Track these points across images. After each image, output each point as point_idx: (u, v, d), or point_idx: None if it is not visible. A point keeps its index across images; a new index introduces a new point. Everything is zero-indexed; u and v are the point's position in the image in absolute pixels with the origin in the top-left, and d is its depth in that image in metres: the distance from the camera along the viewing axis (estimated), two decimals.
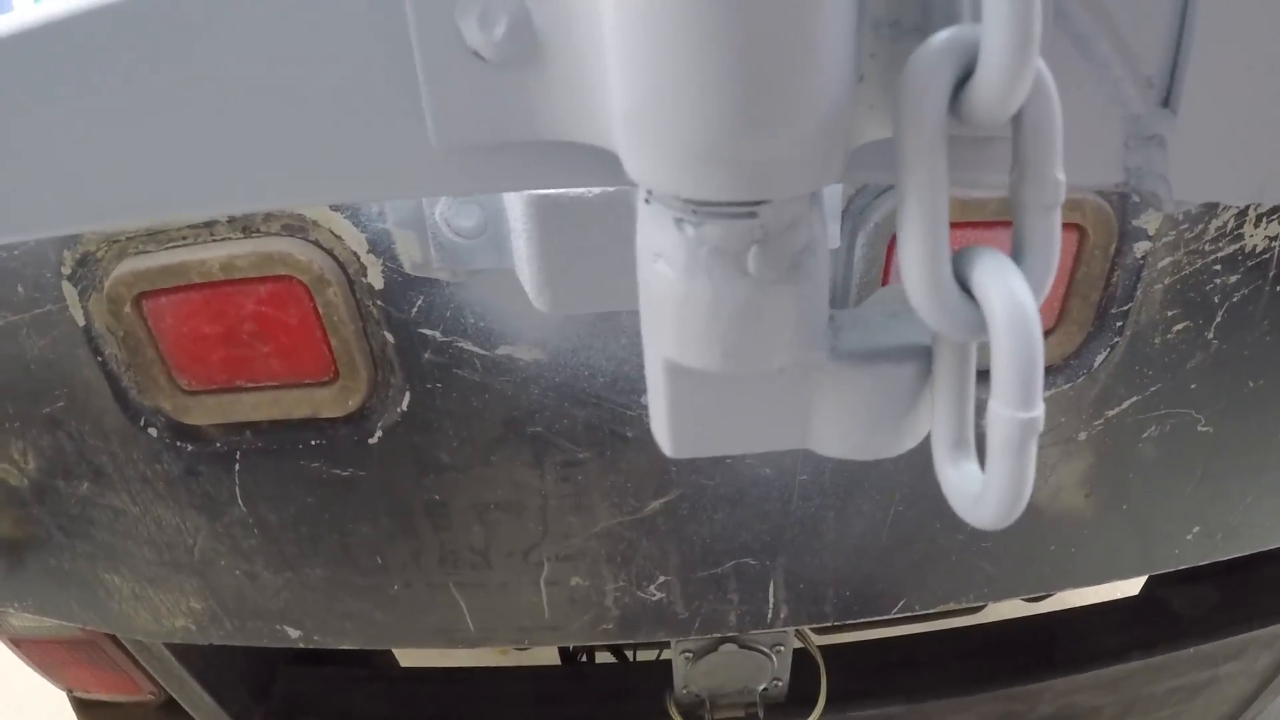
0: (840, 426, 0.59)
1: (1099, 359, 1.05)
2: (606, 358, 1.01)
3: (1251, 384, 1.14)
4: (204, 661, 1.65)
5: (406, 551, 1.18)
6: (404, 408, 1.05)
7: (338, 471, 1.10)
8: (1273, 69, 0.50)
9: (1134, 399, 1.10)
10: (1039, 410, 0.47)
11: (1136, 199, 0.61)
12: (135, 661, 1.74)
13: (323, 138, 0.51)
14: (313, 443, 1.08)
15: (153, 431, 1.11)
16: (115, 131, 0.51)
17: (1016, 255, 0.48)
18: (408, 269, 0.95)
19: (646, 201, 0.50)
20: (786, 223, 0.49)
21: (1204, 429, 1.17)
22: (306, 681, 1.83)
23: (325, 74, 0.49)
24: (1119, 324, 1.04)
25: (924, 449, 0.58)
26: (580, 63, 0.47)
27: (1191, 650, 1.77)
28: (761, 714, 1.63)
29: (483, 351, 1.00)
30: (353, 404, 1.04)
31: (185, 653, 1.60)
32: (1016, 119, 0.44)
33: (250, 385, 1.05)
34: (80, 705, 2.10)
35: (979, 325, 0.47)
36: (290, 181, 0.53)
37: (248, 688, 1.76)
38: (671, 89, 0.43)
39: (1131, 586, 2.16)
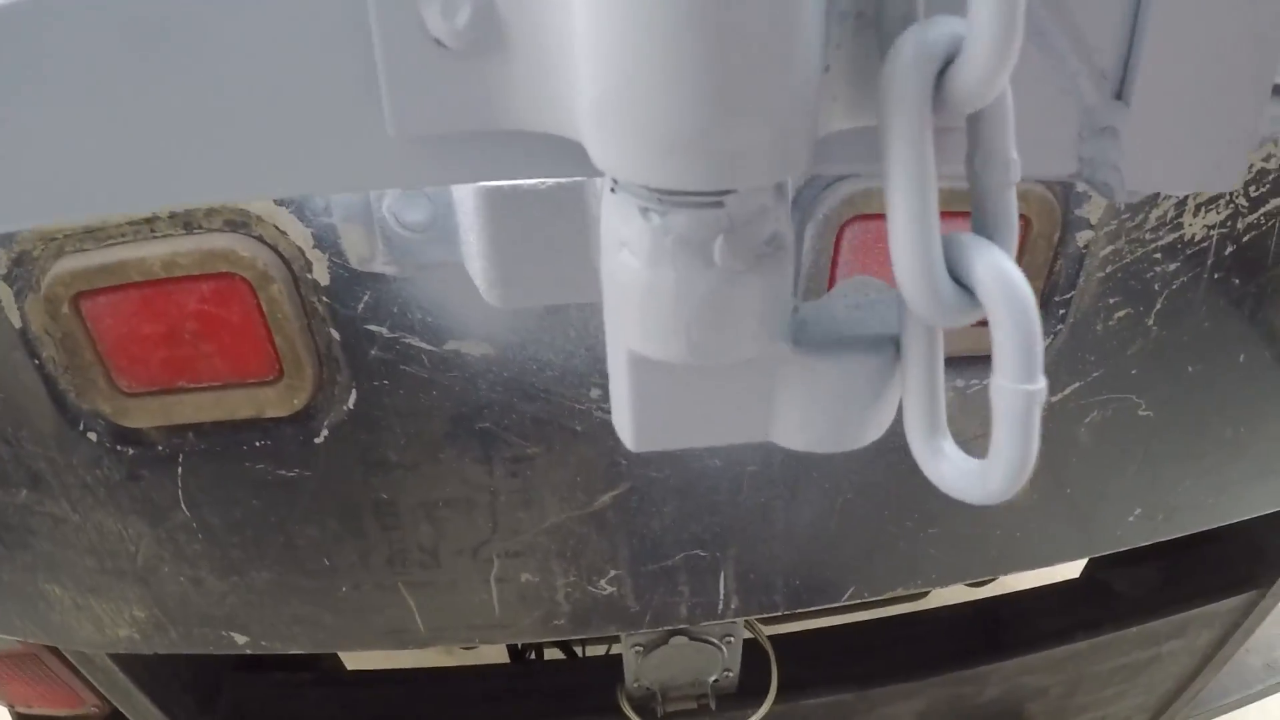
0: (805, 419, 0.60)
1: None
2: (554, 351, 1.02)
3: (1190, 369, 1.18)
4: (149, 672, 1.63)
5: (354, 552, 1.18)
6: (350, 406, 1.04)
7: (283, 472, 1.10)
8: (1220, 61, 0.51)
9: (1076, 384, 1.14)
10: (1042, 382, 0.49)
11: (1085, 188, 0.63)
12: (78, 674, 1.72)
13: (275, 127, 0.51)
14: (257, 443, 1.08)
15: (92, 436, 1.09)
16: (60, 122, 0.50)
17: (983, 235, 0.49)
18: (354, 264, 0.95)
19: (612, 191, 0.50)
20: (753, 213, 0.49)
21: (1144, 413, 1.21)
22: (253, 688, 1.82)
23: (279, 60, 0.49)
24: (1061, 312, 1.07)
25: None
26: (546, 50, 0.47)
27: (1134, 629, 1.83)
28: (713, 705, 1.65)
29: (430, 347, 1.00)
30: (298, 403, 1.04)
31: (129, 663, 1.58)
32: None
33: (192, 386, 1.04)
34: None
35: (970, 309, 0.48)
36: (240, 173, 0.52)
37: (194, 697, 1.74)
38: (640, 77, 0.43)
39: (1074, 569, 2.22)
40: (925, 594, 2.24)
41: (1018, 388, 0.49)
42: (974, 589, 2.39)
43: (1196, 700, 2.17)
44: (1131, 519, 1.36)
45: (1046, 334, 1.08)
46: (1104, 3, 0.50)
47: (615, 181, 0.49)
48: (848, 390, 0.57)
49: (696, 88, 0.42)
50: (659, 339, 0.53)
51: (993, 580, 2.41)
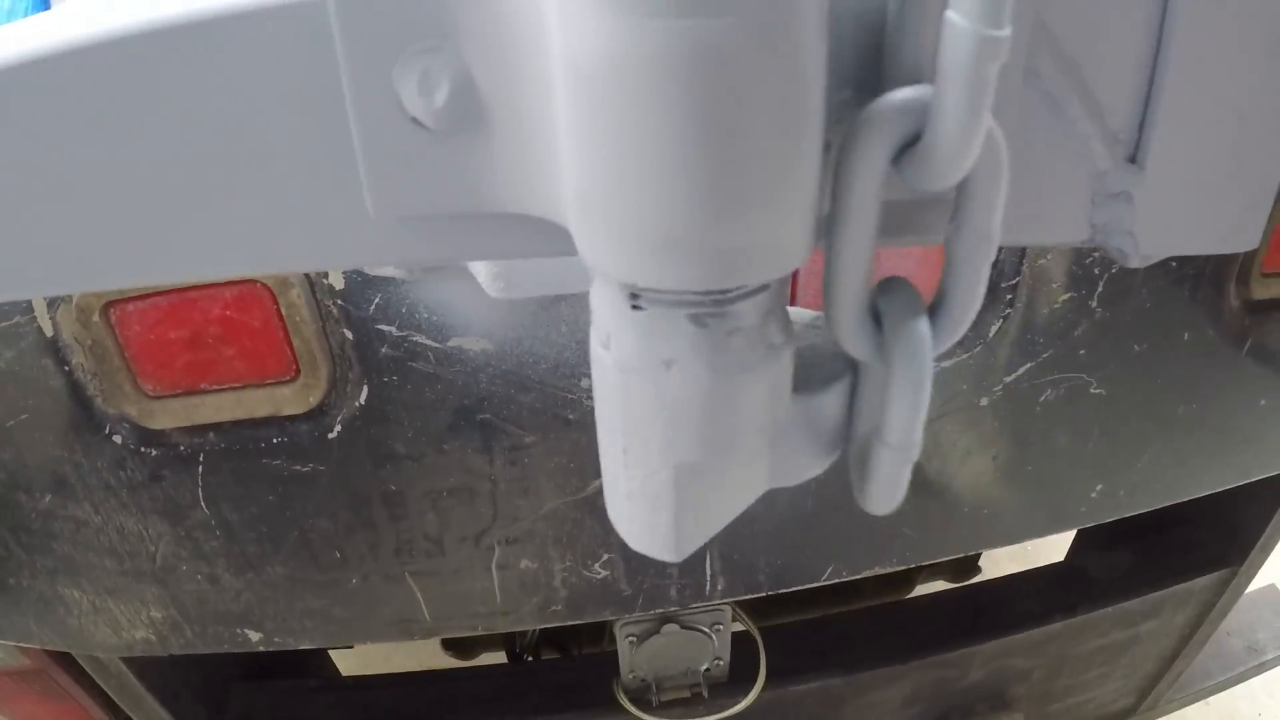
0: (800, 453, 0.60)
1: (993, 330, 1.21)
2: (548, 345, 1.14)
3: (1136, 348, 1.30)
4: (161, 680, 1.72)
5: (364, 543, 1.29)
6: (362, 401, 1.16)
7: (298, 467, 1.21)
8: (1239, 119, 0.51)
9: (1028, 365, 1.26)
10: (918, 447, 0.53)
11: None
12: (85, 688, 1.80)
13: (256, 206, 0.50)
14: (274, 440, 1.19)
15: (117, 439, 1.20)
16: (40, 199, 0.50)
17: (940, 298, 0.51)
18: (367, 270, 1.07)
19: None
20: (765, 308, 0.49)
21: (1096, 391, 1.33)
22: (259, 696, 1.91)
23: (258, 140, 0.48)
24: (1009, 297, 1.19)
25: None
26: (530, 132, 0.45)
27: (1110, 609, 1.94)
28: (706, 694, 1.76)
29: (435, 344, 1.12)
30: (313, 400, 1.15)
31: (143, 671, 1.67)
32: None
33: (214, 387, 1.15)
34: None
35: (882, 354, 0.51)
36: (220, 252, 0.52)
37: (204, 705, 1.84)
38: (626, 171, 0.41)
39: (1054, 555, 2.34)
40: (910, 586, 2.36)
41: (896, 450, 0.53)
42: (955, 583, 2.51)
43: (1180, 682, 2.28)
44: (1094, 495, 1.47)
45: (995, 318, 1.20)
46: (1118, 64, 0.50)
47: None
48: (814, 426, 0.58)
49: (689, 184, 0.41)
50: (709, 444, 0.52)
51: (975, 576, 2.54)
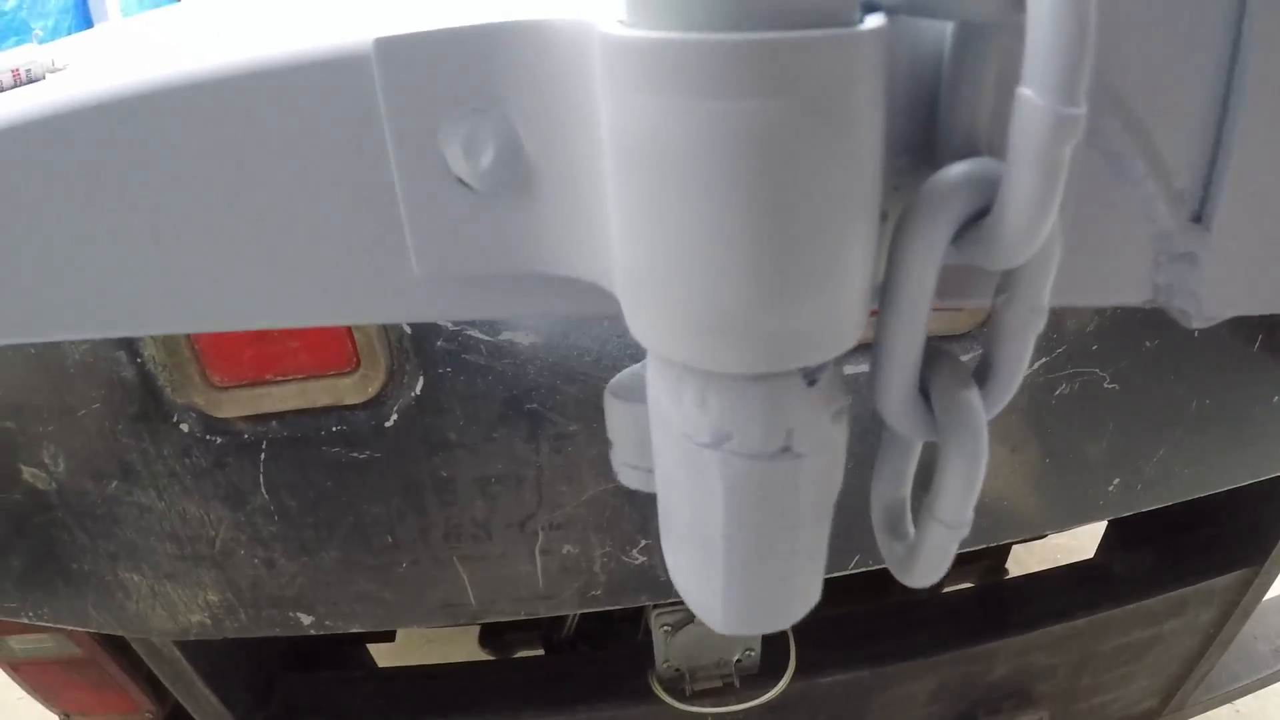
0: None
1: None
2: (592, 339, 1.24)
3: (1148, 344, 1.38)
4: (211, 666, 1.82)
5: (415, 528, 1.39)
6: (417, 392, 1.26)
7: (355, 454, 1.31)
8: None
9: (1043, 360, 1.34)
10: (970, 517, 0.52)
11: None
12: (133, 677, 1.91)
13: (303, 261, 0.50)
14: (334, 428, 1.29)
15: (184, 427, 1.29)
16: (99, 245, 0.51)
17: (985, 366, 0.51)
18: None
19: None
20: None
21: (1110, 386, 1.40)
22: (302, 685, 2.02)
23: (306, 196, 0.48)
24: None
25: (862, 406, 0.67)
26: (578, 198, 0.45)
27: (1132, 607, 2.01)
28: (737, 684, 1.85)
29: (488, 338, 1.22)
30: (372, 390, 1.26)
31: (194, 656, 1.77)
32: None
33: (278, 378, 1.26)
34: None
35: (934, 429, 0.51)
36: (266, 303, 0.53)
37: (251, 693, 1.94)
38: (679, 251, 0.40)
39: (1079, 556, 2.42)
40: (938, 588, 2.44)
41: (949, 525, 0.52)
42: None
43: (1205, 684, 2.34)
44: (1111, 489, 1.54)
45: None
46: (1184, 123, 0.49)
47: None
48: None
49: (742, 266, 0.39)
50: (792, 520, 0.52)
51: (1000, 574, 2.62)
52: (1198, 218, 0.51)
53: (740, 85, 0.36)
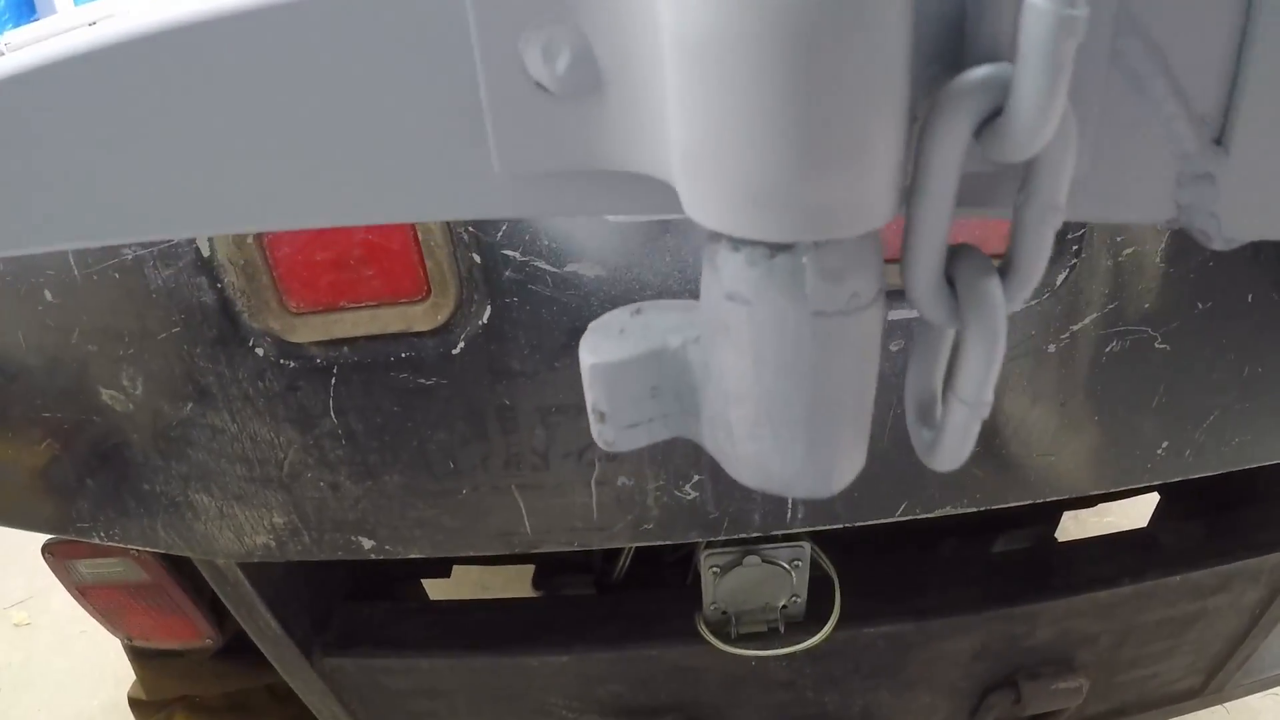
0: None
1: (1060, 278, 1.32)
2: (654, 273, 1.28)
3: (1200, 306, 1.38)
4: (273, 590, 1.88)
5: (476, 456, 1.44)
6: (484, 321, 1.31)
7: (423, 381, 1.36)
8: None
9: (1094, 315, 1.36)
10: (989, 404, 0.57)
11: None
12: (196, 603, 1.98)
13: (391, 160, 0.55)
14: (403, 355, 1.34)
15: (259, 351, 1.35)
16: (203, 148, 0.55)
17: (1008, 262, 0.54)
18: None
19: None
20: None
21: (1161, 346, 1.41)
22: (360, 613, 2.09)
23: (395, 99, 0.53)
24: (1075, 247, 1.30)
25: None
26: (641, 97, 0.50)
27: (1178, 579, 2.01)
28: (782, 629, 1.89)
29: (553, 269, 1.26)
30: (441, 319, 1.30)
31: (257, 580, 1.83)
32: None
33: (352, 305, 1.31)
34: (137, 655, 2.30)
35: (958, 316, 0.55)
36: (362, 201, 0.57)
37: (310, 618, 2.01)
38: (726, 131, 0.46)
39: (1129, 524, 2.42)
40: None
41: (969, 404, 0.57)
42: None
43: (1248, 667, 2.33)
44: (1160, 452, 1.55)
45: (1063, 267, 1.32)
46: (1204, 48, 0.51)
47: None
48: None
49: (780, 144, 0.45)
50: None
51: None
52: (1218, 140, 0.53)
53: None
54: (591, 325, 0.67)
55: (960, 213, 0.53)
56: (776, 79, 0.43)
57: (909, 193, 0.51)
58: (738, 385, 0.60)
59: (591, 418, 0.68)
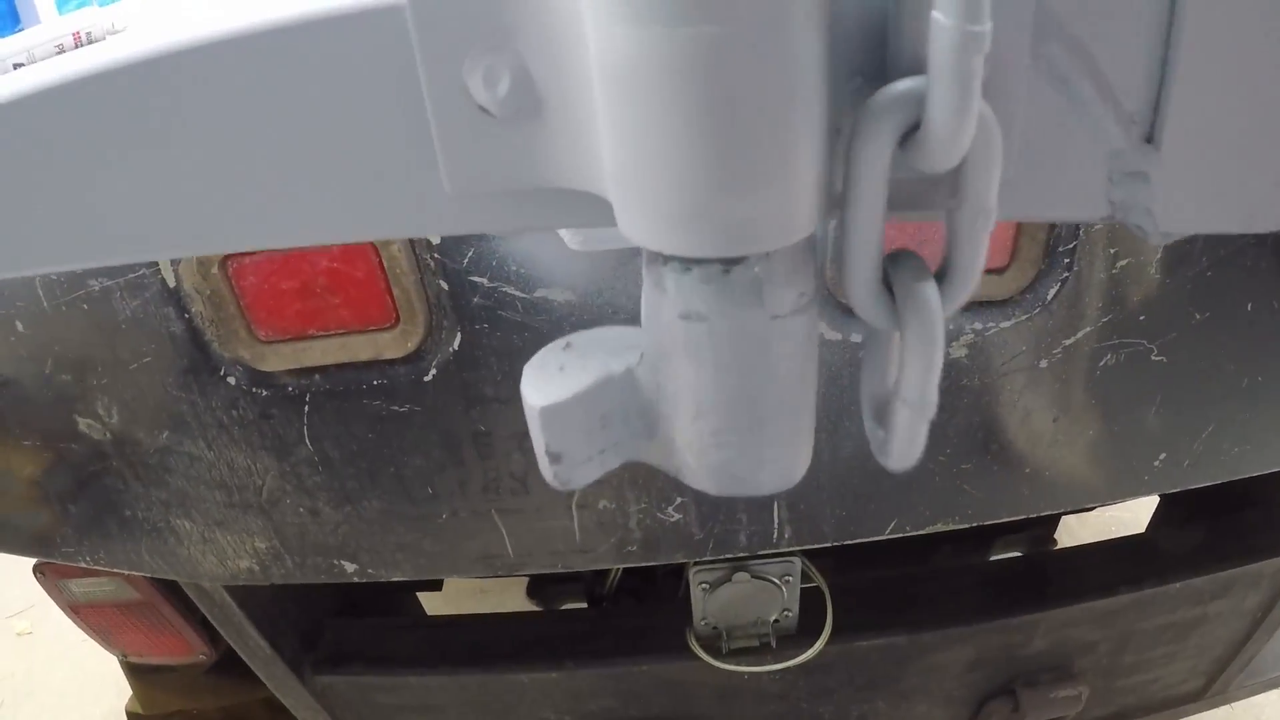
0: None
1: (1051, 293, 1.27)
2: (626, 297, 1.23)
3: (1197, 316, 1.34)
4: (261, 611, 1.86)
5: (454, 480, 1.40)
6: (455, 347, 1.27)
7: (396, 407, 1.32)
8: (1257, 101, 0.52)
9: (1087, 329, 1.31)
10: (932, 405, 0.58)
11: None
12: (188, 621, 1.95)
13: (350, 182, 0.56)
14: (375, 382, 1.30)
15: (231, 380, 1.32)
16: (161, 173, 0.57)
17: (945, 267, 0.55)
18: None
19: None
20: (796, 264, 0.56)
21: (1157, 359, 1.37)
22: (351, 631, 2.06)
23: (352, 126, 0.54)
24: (1067, 260, 1.25)
25: None
26: (577, 119, 0.51)
27: (1178, 585, 1.96)
28: (773, 644, 1.85)
29: (523, 295, 1.22)
30: (411, 345, 1.26)
31: (244, 600, 1.81)
32: None
33: (321, 333, 1.27)
34: (133, 670, 2.28)
35: (896, 320, 0.56)
36: (319, 222, 0.59)
37: (298, 636, 1.98)
38: (648, 153, 0.47)
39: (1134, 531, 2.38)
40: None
41: (913, 408, 0.58)
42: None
43: (1250, 669, 2.29)
44: (1157, 464, 1.50)
45: (1054, 281, 1.27)
46: (1130, 46, 0.51)
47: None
48: None
49: (699, 166, 0.46)
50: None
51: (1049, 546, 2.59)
52: (1149, 138, 0.53)
53: (681, 14, 0.43)
54: (526, 370, 0.67)
55: (898, 217, 0.54)
56: (684, 104, 0.45)
57: (841, 202, 0.52)
58: (701, 399, 0.61)
59: (545, 461, 0.66)
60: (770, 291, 0.55)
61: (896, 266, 0.55)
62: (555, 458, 0.66)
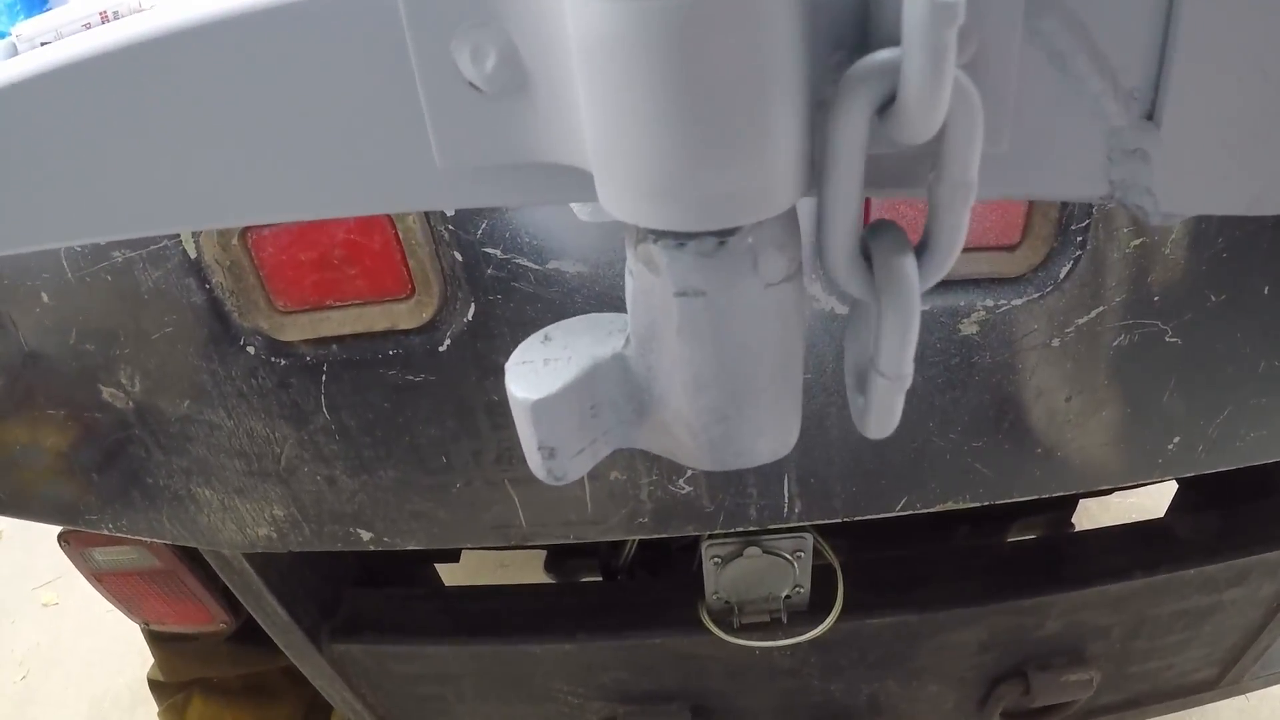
0: None
1: (1063, 271, 1.27)
2: None
3: (1213, 298, 1.33)
4: (280, 579, 1.89)
5: (468, 450, 1.41)
6: (469, 318, 1.28)
7: (411, 377, 1.34)
8: (1264, 78, 0.50)
9: (1100, 309, 1.30)
10: (909, 373, 0.58)
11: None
12: (209, 589, 1.99)
13: (346, 158, 0.57)
14: (390, 352, 1.32)
15: (250, 350, 1.34)
16: (166, 150, 0.57)
17: (925, 241, 0.55)
18: None
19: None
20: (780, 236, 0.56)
21: (1171, 340, 1.36)
22: (368, 599, 2.08)
23: (344, 104, 0.55)
24: (1080, 239, 1.25)
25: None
26: (562, 94, 0.51)
27: (1192, 572, 1.95)
28: (784, 619, 1.86)
29: (536, 266, 1.23)
30: (426, 316, 1.28)
31: (263, 569, 1.84)
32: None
33: (338, 304, 1.28)
34: (154, 638, 2.33)
35: (874, 290, 0.56)
36: (319, 197, 0.59)
37: (317, 605, 2.01)
38: (627, 129, 0.47)
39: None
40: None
41: (889, 379, 0.58)
42: None
43: (1265, 659, 2.28)
44: (1171, 447, 1.50)
45: (1067, 260, 1.26)
46: (1129, 19, 0.50)
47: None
48: None
49: (675, 139, 0.46)
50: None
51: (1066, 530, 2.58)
52: (1149, 115, 0.52)
53: None
54: (509, 368, 0.67)
55: (877, 193, 0.54)
56: (657, 77, 0.45)
57: (817, 174, 0.51)
58: (699, 375, 0.61)
59: (538, 457, 0.67)
60: (764, 260, 0.55)
61: (876, 238, 0.55)
62: (549, 453, 0.66)
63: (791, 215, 0.56)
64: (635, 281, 0.61)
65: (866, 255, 0.55)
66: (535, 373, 0.66)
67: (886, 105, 0.47)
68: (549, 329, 0.70)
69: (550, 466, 0.67)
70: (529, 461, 0.68)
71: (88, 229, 0.63)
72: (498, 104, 0.53)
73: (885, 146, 0.49)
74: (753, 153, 0.48)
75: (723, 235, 0.54)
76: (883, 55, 0.46)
